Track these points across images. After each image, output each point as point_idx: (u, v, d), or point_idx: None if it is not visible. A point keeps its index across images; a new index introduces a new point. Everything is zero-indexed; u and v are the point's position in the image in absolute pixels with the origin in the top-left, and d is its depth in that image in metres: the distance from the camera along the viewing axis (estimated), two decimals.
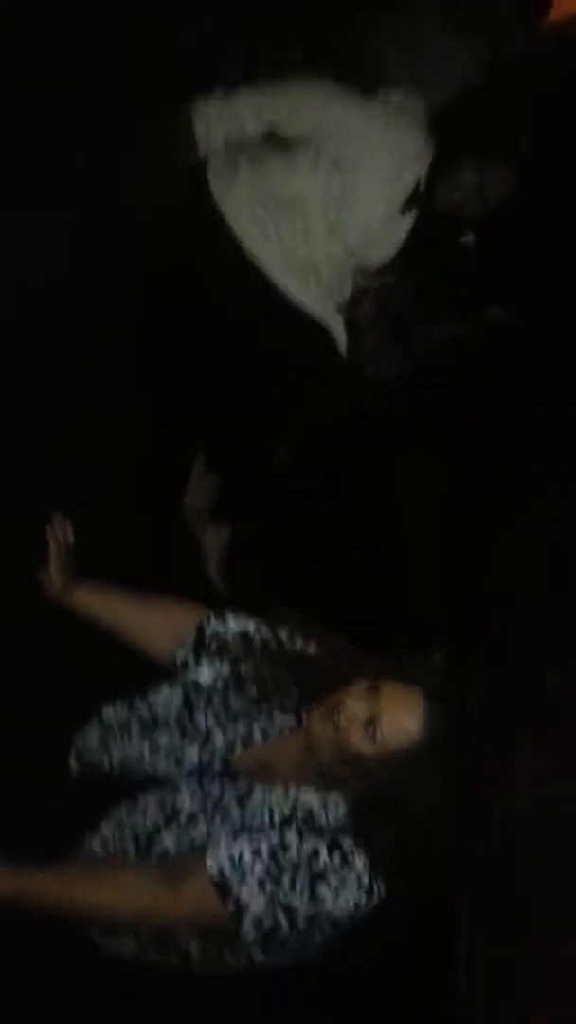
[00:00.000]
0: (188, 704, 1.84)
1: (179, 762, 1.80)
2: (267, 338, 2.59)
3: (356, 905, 1.57)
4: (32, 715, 1.98)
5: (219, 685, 1.83)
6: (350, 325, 2.62)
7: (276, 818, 1.66)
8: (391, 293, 2.57)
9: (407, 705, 1.59)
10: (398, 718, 1.58)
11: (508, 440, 2.96)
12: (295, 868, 1.57)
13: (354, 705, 1.60)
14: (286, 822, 1.64)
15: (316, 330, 2.65)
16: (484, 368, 3.04)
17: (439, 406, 3.07)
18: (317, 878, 1.56)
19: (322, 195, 2.44)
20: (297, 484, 2.93)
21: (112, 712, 1.92)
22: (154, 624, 1.92)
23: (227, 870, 1.56)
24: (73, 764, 1.90)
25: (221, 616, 1.89)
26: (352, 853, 1.58)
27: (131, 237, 2.56)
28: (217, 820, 1.69)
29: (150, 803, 1.76)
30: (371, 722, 1.58)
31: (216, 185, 2.52)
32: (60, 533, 1.97)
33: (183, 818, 1.72)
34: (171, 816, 1.73)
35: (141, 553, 2.38)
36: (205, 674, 1.85)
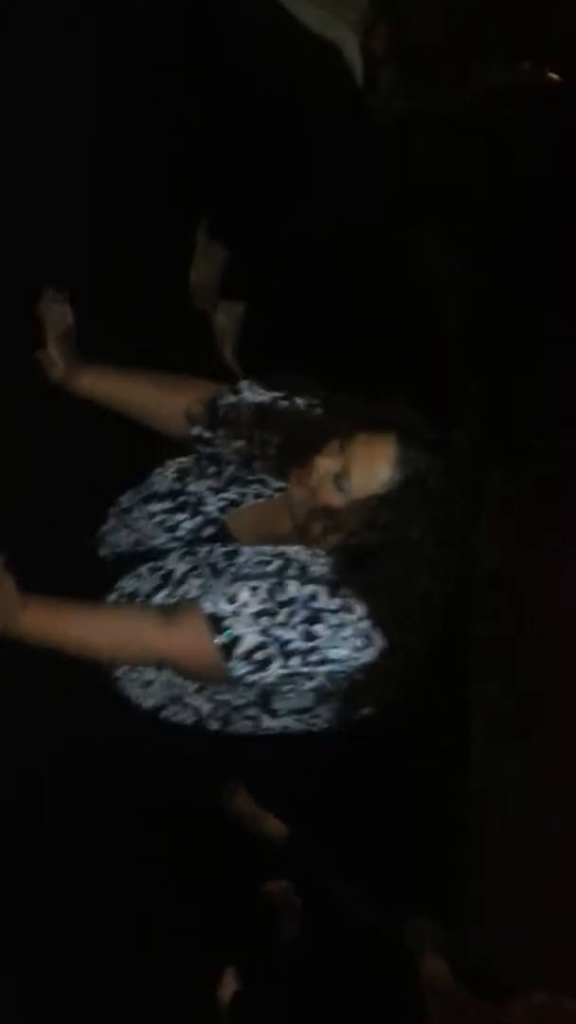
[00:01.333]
0: (181, 474, 1.81)
1: (173, 530, 1.78)
2: (275, 66, 2.35)
3: (353, 649, 1.55)
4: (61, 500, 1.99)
5: (224, 456, 1.77)
6: (365, 56, 2.32)
7: (270, 568, 1.63)
8: (416, 22, 2.26)
9: (375, 452, 1.56)
10: (366, 466, 1.55)
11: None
12: (292, 604, 1.55)
13: (324, 463, 1.57)
14: (283, 569, 1.62)
15: (328, 55, 2.36)
16: (522, 133, 2.78)
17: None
18: (314, 617, 1.55)
19: None
20: (314, 253, 2.71)
21: (129, 495, 1.89)
22: (167, 403, 1.83)
23: (221, 606, 1.56)
24: (101, 550, 1.88)
25: (236, 389, 1.80)
26: (351, 599, 1.56)
27: None
28: (208, 575, 1.67)
29: (145, 571, 1.75)
30: (341, 476, 1.56)
31: None
32: (57, 311, 1.84)
33: (175, 580, 1.70)
34: (164, 578, 1.71)
35: (148, 339, 2.23)
36: (222, 446, 1.78)
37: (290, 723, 1.67)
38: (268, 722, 1.67)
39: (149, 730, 1.75)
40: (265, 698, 1.63)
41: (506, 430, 3.23)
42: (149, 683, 1.73)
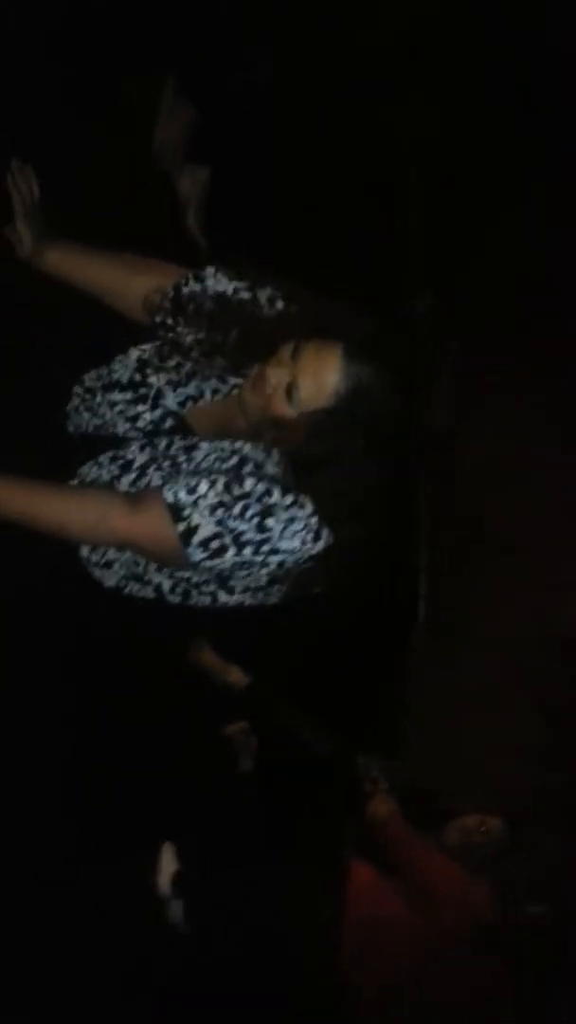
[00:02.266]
0: (141, 365, 1.84)
1: (133, 421, 1.84)
2: None
3: (302, 543, 1.65)
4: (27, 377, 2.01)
5: (185, 346, 1.79)
6: None
7: (228, 464, 1.72)
8: None
9: (323, 365, 1.59)
10: (314, 379, 1.60)
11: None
12: (247, 498, 1.63)
13: (275, 375, 1.62)
14: (239, 465, 1.70)
15: None
16: None
17: None
18: (268, 511, 1.63)
19: None
20: (280, 118, 2.66)
21: (94, 375, 1.91)
22: (132, 285, 1.84)
23: (182, 496, 1.63)
24: (68, 427, 1.94)
25: (200, 278, 1.80)
26: (302, 496, 1.64)
27: None
28: (167, 467, 1.75)
29: (105, 460, 1.82)
30: (291, 386, 1.61)
31: None
32: (23, 183, 1.81)
33: (134, 471, 1.77)
34: (124, 468, 1.79)
35: (112, 204, 2.21)
36: (185, 335, 1.79)
37: (246, 599, 1.77)
38: (224, 598, 1.78)
39: (114, 606, 1.84)
40: (222, 578, 1.73)
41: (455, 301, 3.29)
42: (110, 563, 1.81)
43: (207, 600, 1.79)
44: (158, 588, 1.80)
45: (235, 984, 2.24)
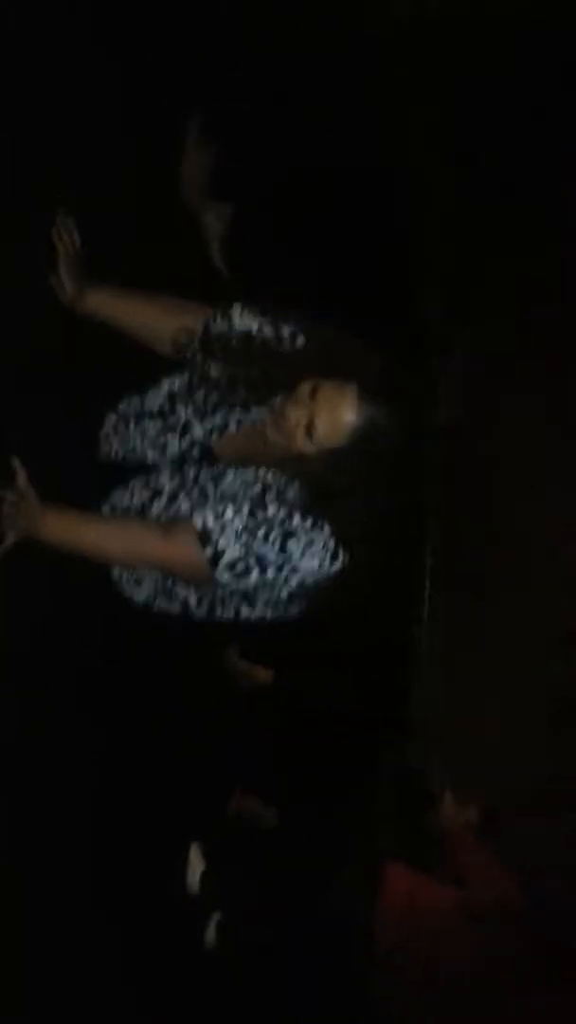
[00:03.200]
0: (171, 397, 1.98)
1: (162, 449, 1.98)
2: None
3: (320, 564, 1.79)
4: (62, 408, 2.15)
5: (212, 380, 1.93)
6: None
7: (252, 491, 1.85)
8: None
9: (340, 405, 1.71)
10: (331, 420, 1.71)
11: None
12: (270, 523, 1.77)
13: (295, 414, 1.74)
14: (263, 492, 1.84)
15: None
16: None
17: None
18: (288, 535, 1.77)
19: None
20: (300, 156, 2.78)
21: (126, 404, 2.07)
22: (165, 324, 1.97)
23: (210, 523, 1.77)
24: (100, 452, 2.09)
25: (227, 315, 1.93)
26: (321, 521, 1.78)
27: None
28: (196, 496, 1.91)
29: (136, 485, 1.97)
30: (310, 425, 1.72)
31: None
32: (66, 235, 1.96)
33: (165, 497, 1.93)
34: (153, 495, 1.94)
35: (145, 243, 2.34)
36: (212, 369, 1.93)
37: (267, 613, 1.92)
38: (247, 612, 1.92)
39: (143, 621, 1.98)
40: (245, 594, 1.88)
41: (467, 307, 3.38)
42: (140, 580, 1.97)
43: (230, 614, 1.93)
44: (184, 602, 1.95)
45: (272, 981, 2.36)
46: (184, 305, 1.99)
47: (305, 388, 1.74)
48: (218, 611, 1.93)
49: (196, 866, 2.58)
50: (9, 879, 2.24)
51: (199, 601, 1.94)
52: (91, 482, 2.03)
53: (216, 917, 2.50)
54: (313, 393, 1.73)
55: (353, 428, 1.71)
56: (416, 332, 3.21)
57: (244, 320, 1.91)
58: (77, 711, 2.30)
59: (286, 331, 1.89)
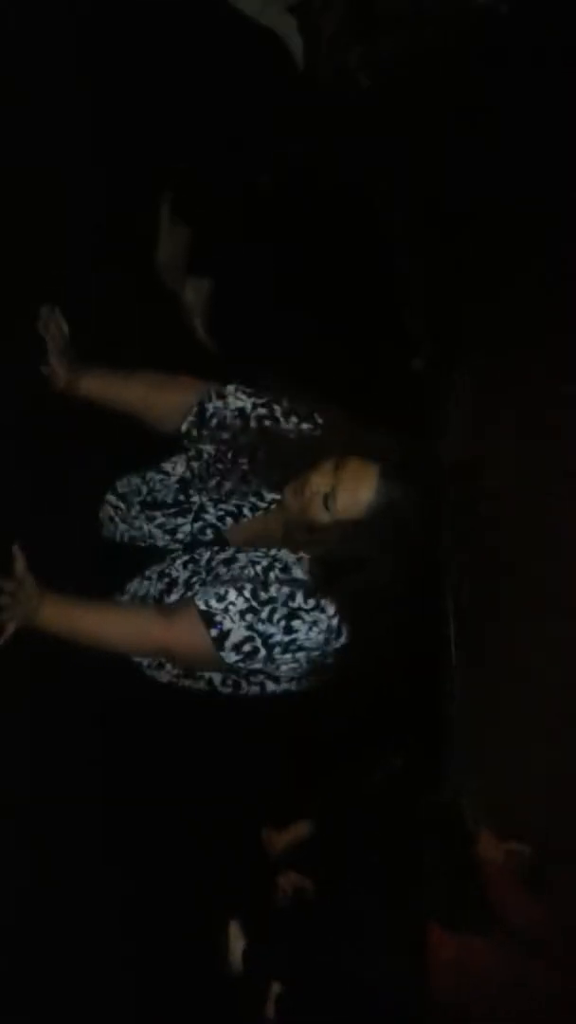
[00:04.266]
0: (183, 484, 1.98)
1: (172, 533, 1.98)
2: (216, 56, 2.44)
3: (326, 640, 1.78)
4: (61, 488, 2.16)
5: (215, 462, 1.94)
6: (303, 22, 2.46)
7: (258, 568, 1.86)
8: None
9: (362, 480, 1.74)
10: (352, 492, 1.74)
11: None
12: (274, 603, 1.77)
13: (317, 481, 1.76)
14: (267, 570, 1.85)
15: (269, 40, 2.49)
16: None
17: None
18: (293, 614, 1.77)
19: None
20: (273, 221, 2.85)
21: (125, 483, 2.05)
22: (158, 402, 2.00)
23: (213, 604, 1.76)
24: (103, 533, 2.07)
25: (222, 395, 1.95)
26: (324, 598, 1.78)
27: None
28: (210, 581, 1.88)
29: (153, 575, 1.96)
30: (329, 495, 1.74)
31: None
32: (53, 325, 1.99)
33: (180, 584, 1.91)
34: (170, 584, 1.92)
35: (131, 324, 2.38)
36: (208, 449, 1.95)
37: (292, 686, 1.90)
38: (272, 687, 1.90)
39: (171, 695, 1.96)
40: (266, 670, 1.85)
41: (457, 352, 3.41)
42: (162, 664, 1.93)
43: (256, 690, 1.91)
44: (210, 682, 1.92)
45: None
46: (176, 380, 2.01)
47: (330, 461, 1.77)
48: (243, 687, 1.92)
49: (237, 943, 2.53)
50: (51, 972, 2.20)
51: (224, 680, 1.92)
52: (94, 565, 2.03)
53: (276, 989, 2.44)
54: (338, 466, 1.75)
55: (371, 503, 1.73)
56: (412, 380, 3.26)
57: (238, 399, 1.94)
58: (104, 797, 2.27)
59: (279, 410, 1.92)
